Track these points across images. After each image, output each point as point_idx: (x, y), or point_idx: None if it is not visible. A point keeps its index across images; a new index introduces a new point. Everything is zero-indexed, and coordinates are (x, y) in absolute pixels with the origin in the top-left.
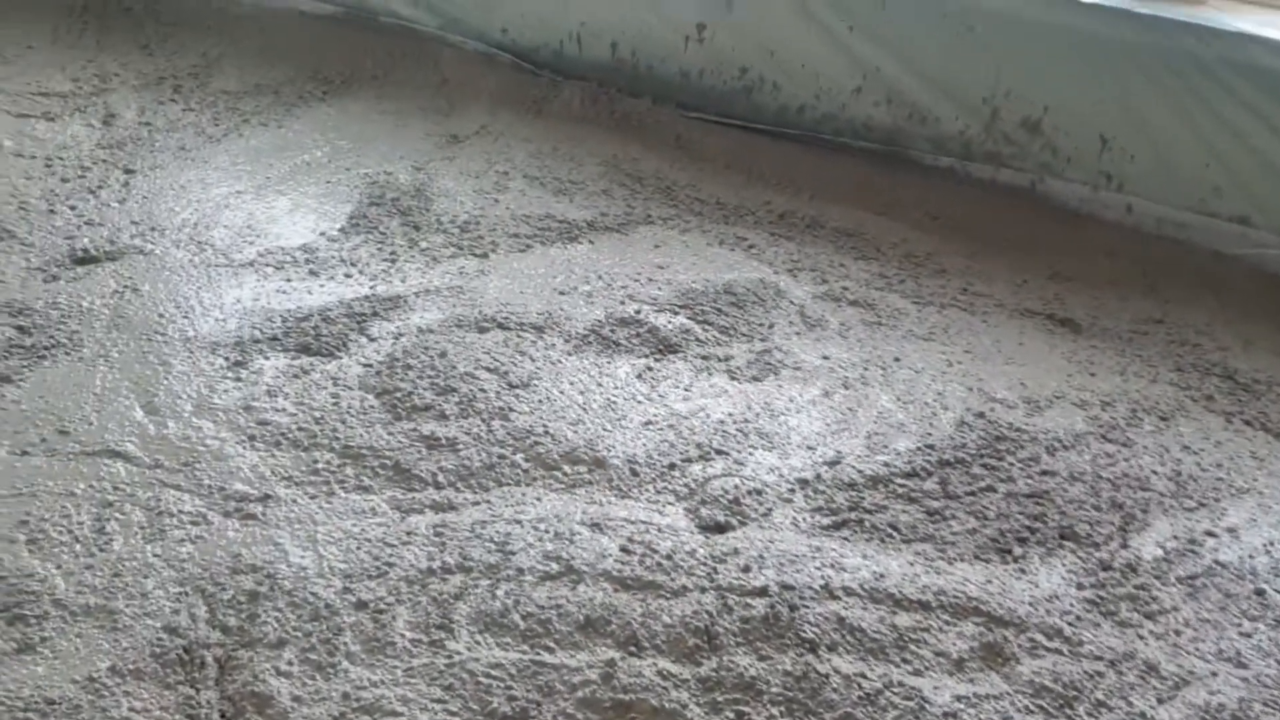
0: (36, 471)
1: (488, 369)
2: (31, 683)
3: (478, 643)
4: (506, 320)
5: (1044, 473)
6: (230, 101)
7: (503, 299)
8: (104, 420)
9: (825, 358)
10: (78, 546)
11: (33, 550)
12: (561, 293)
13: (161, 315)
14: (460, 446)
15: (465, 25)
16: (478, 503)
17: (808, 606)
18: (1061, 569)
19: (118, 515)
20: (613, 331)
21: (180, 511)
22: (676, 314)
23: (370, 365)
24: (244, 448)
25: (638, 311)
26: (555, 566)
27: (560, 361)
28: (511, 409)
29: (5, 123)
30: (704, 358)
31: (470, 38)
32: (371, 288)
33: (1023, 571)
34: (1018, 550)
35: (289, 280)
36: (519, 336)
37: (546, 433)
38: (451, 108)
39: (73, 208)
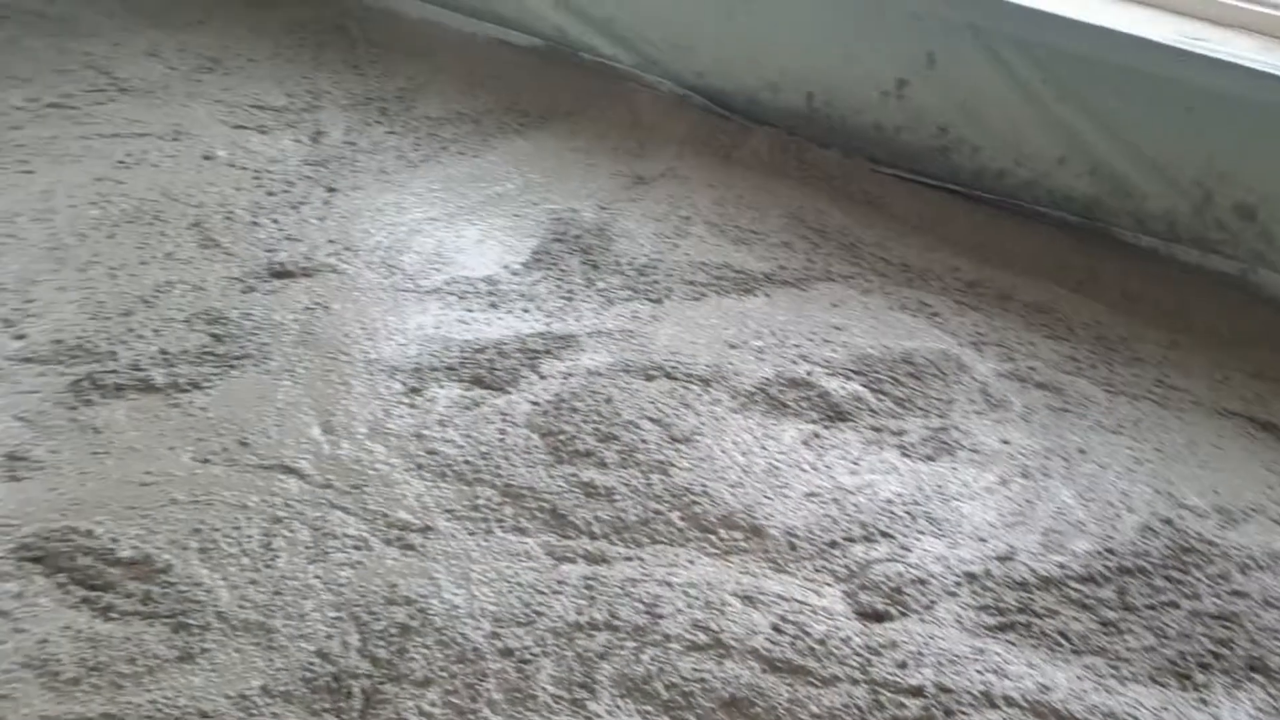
0: (214, 481)
1: (651, 419)
2: (188, 693)
3: (618, 707)
4: (674, 370)
5: (1234, 593)
6: (431, 127)
7: (672, 347)
8: (282, 435)
9: (1005, 442)
10: (245, 560)
11: (203, 559)
12: (732, 346)
13: (347, 335)
14: (617, 497)
15: (662, 66)
16: (630, 558)
17: (964, 713)
18: (1248, 704)
19: (285, 532)
20: (781, 392)
21: (344, 534)
22: (850, 379)
23: (538, 404)
24: (411, 476)
25: (809, 373)
26: (703, 637)
27: (724, 419)
28: (672, 464)
29: (223, 133)
30: (875, 429)
31: (666, 78)
32: (547, 325)
33: (1204, 702)
34: (1199, 677)
35: (470, 310)
36: (685, 388)
37: (705, 493)
38: (641, 148)
39: (275, 221)
